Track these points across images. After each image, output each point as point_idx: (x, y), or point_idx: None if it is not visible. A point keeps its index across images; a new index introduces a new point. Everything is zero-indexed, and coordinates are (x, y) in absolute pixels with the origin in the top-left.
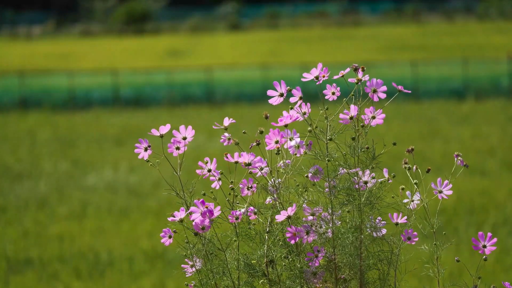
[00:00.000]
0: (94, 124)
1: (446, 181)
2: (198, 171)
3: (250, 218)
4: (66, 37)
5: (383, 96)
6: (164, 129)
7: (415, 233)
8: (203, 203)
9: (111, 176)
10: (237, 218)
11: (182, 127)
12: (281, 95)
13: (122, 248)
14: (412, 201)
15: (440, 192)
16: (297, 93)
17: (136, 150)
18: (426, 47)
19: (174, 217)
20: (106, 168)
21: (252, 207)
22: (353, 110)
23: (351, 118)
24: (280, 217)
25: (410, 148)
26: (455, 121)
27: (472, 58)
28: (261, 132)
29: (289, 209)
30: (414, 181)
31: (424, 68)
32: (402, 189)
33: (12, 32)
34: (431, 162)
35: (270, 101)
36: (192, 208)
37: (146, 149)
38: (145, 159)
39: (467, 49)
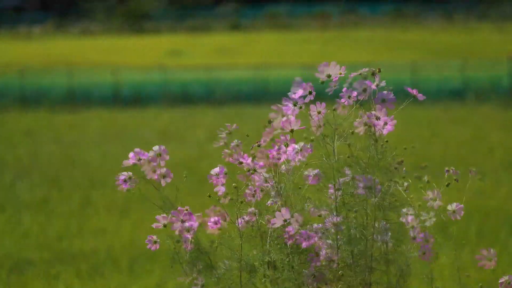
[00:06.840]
0: (94, 123)
1: (457, 203)
2: (209, 176)
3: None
4: (66, 36)
5: (392, 107)
6: (133, 159)
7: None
8: (181, 211)
9: (111, 176)
10: (216, 223)
11: (156, 147)
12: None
13: (122, 248)
14: (430, 218)
15: (454, 212)
16: (302, 86)
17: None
18: (427, 47)
19: (158, 222)
20: (106, 167)
21: (245, 216)
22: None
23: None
24: (277, 221)
25: (423, 165)
26: (455, 121)
27: (472, 58)
28: (259, 146)
29: (283, 209)
30: (430, 197)
31: (424, 68)
32: (419, 205)
33: (12, 31)
34: (431, 162)
35: (293, 96)
36: (172, 219)
37: (125, 181)
38: (125, 190)
39: (467, 49)
